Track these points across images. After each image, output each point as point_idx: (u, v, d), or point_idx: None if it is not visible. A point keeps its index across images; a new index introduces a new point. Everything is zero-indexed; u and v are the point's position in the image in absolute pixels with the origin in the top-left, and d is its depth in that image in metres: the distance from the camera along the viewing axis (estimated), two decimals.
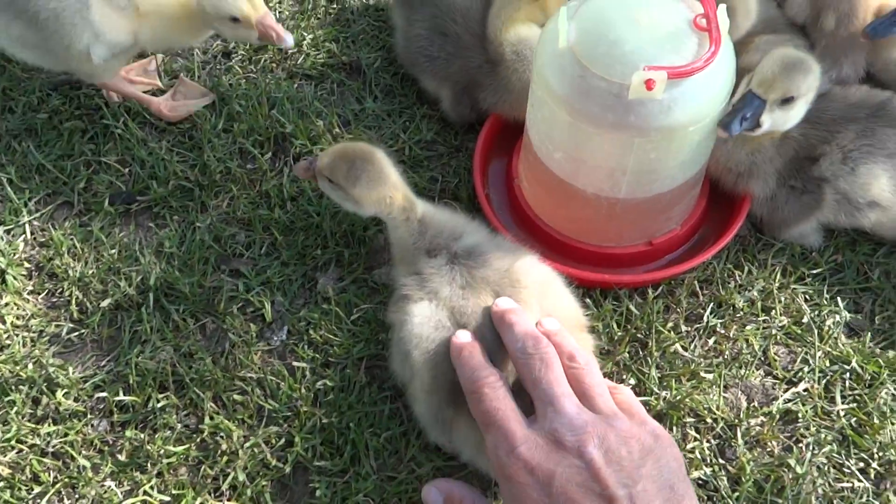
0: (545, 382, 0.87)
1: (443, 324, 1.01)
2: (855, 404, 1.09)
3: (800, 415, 1.09)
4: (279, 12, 1.53)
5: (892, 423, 1.07)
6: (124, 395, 1.12)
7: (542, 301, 1.02)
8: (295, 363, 1.16)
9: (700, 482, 1.05)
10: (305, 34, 1.49)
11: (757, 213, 1.22)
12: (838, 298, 1.18)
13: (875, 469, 1.05)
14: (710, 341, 1.15)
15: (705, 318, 1.17)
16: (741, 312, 1.17)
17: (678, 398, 1.09)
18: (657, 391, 1.10)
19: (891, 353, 1.12)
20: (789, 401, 1.10)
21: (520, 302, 1.00)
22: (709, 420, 1.09)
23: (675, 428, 1.09)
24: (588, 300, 1.17)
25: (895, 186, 1.16)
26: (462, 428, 1.00)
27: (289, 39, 1.21)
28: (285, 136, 1.37)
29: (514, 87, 1.25)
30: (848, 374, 1.11)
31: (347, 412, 1.10)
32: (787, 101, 1.08)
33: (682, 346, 1.14)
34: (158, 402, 1.11)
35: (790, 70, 1.07)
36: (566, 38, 1.01)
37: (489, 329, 0.98)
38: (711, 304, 1.18)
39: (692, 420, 1.09)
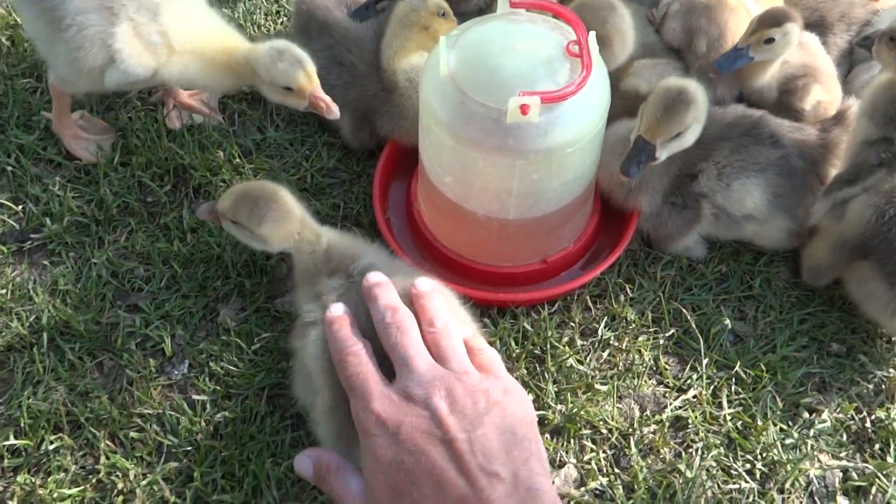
0: (401, 346, 0.92)
1: None
2: (740, 408, 1.14)
3: (689, 421, 1.13)
4: None
5: (774, 424, 1.12)
6: (15, 438, 1.09)
7: None
8: (195, 396, 1.14)
9: (597, 492, 1.08)
10: None
11: (644, 229, 1.28)
12: (723, 307, 1.23)
13: (760, 469, 1.09)
14: (605, 354, 1.19)
15: (599, 332, 1.21)
16: (633, 325, 1.21)
17: (574, 411, 1.12)
18: (554, 405, 1.13)
19: (771, 357, 1.18)
20: (679, 408, 1.14)
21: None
22: (604, 431, 1.12)
23: (572, 440, 1.12)
24: (486, 319, 1.20)
25: (768, 200, 1.22)
26: None
27: (336, 111, 1.21)
28: (185, 168, 1.37)
29: (409, 113, 1.28)
30: (733, 380, 1.17)
31: (249, 443, 1.10)
32: (676, 136, 1.14)
33: (578, 360, 1.18)
34: (52, 443, 1.09)
35: (672, 112, 1.12)
36: (446, 67, 1.04)
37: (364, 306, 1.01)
38: (605, 318, 1.22)
39: (588, 432, 1.12)
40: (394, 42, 1.29)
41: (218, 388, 1.15)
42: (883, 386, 1.16)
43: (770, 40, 1.22)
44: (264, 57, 1.19)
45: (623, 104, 1.23)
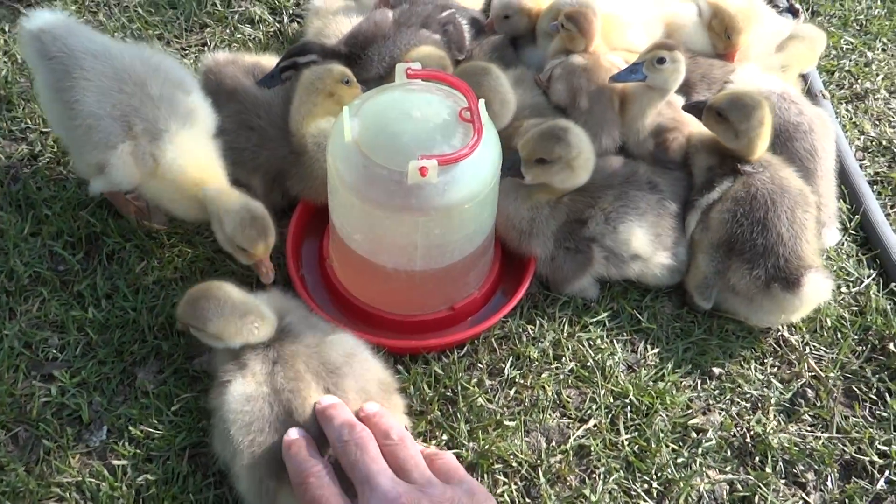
0: (361, 463, 0.96)
1: (258, 398, 1.08)
2: (636, 433, 1.24)
3: (591, 448, 1.22)
4: None
5: (667, 446, 1.23)
6: None
7: (350, 370, 1.12)
8: (115, 462, 1.16)
9: None
10: None
11: (542, 273, 1.38)
12: (615, 341, 1.34)
13: (656, 488, 1.19)
14: (512, 391, 1.28)
15: (506, 371, 1.29)
16: (536, 362, 1.31)
17: (486, 447, 1.20)
18: (467, 443, 1.20)
19: (660, 385, 1.29)
20: (581, 437, 1.23)
21: (331, 373, 1.10)
22: (514, 464, 1.20)
23: (485, 475, 1.19)
24: (399, 366, 1.27)
25: (651, 240, 1.35)
26: (286, 498, 1.05)
27: (272, 278, 1.27)
28: (97, 236, 1.39)
29: (318, 175, 1.35)
30: (628, 407, 1.27)
31: None
32: (540, 161, 1.27)
33: (487, 399, 1.26)
34: None
35: (542, 137, 1.28)
36: (350, 133, 1.12)
37: (315, 423, 1.06)
38: (510, 358, 1.31)
39: (500, 466, 1.20)
40: (301, 108, 1.36)
41: (138, 451, 1.17)
42: (759, 404, 1.29)
43: (662, 59, 1.37)
44: (235, 216, 1.23)
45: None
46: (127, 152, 1.24)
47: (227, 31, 1.78)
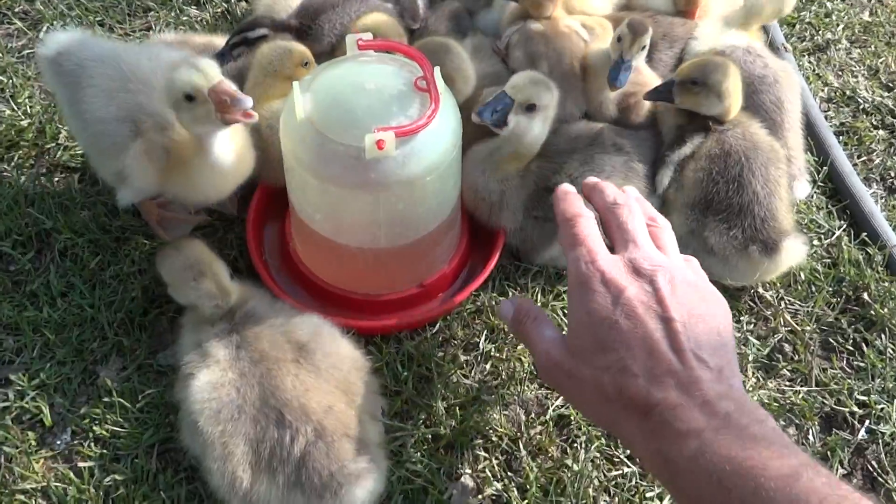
0: (629, 224, 0.97)
1: (224, 384, 1.05)
2: None
3: (571, 418, 1.20)
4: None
5: None
6: None
7: (319, 347, 1.10)
8: (81, 464, 1.12)
9: (493, 498, 1.13)
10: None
11: (512, 244, 1.35)
12: None
13: None
14: (488, 366, 1.25)
15: (480, 346, 1.27)
16: (510, 335, 1.28)
17: (465, 424, 1.17)
18: (445, 421, 1.17)
19: None
20: (561, 406, 1.21)
21: (299, 350, 1.09)
22: (494, 438, 1.18)
23: (465, 452, 1.16)
24: (371, 347, 1.24)
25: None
26: (262, 488, 1.02)
27: (246, 101, 1.08)
28: (48, 233, 1.34)
29: (274, 157, 1.30)
30: None
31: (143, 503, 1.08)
32: (530, 108, 1.23)
33: (463, 375, 1.23)
34: None
35: (536, 83, 1.25)
36: (302, 110, 1.08)
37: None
38: (485, 332, 1.28)
39: (480, 441, 1.18)
40: (255, 89, 1.31)
41: (105, 451, 1.13)
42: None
43: (644, 46, 1.34)
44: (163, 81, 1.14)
45: (476, 130, 1.30)
46: (139, 152, 1.18)
47: (173, 13, 1.71)
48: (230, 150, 1.19)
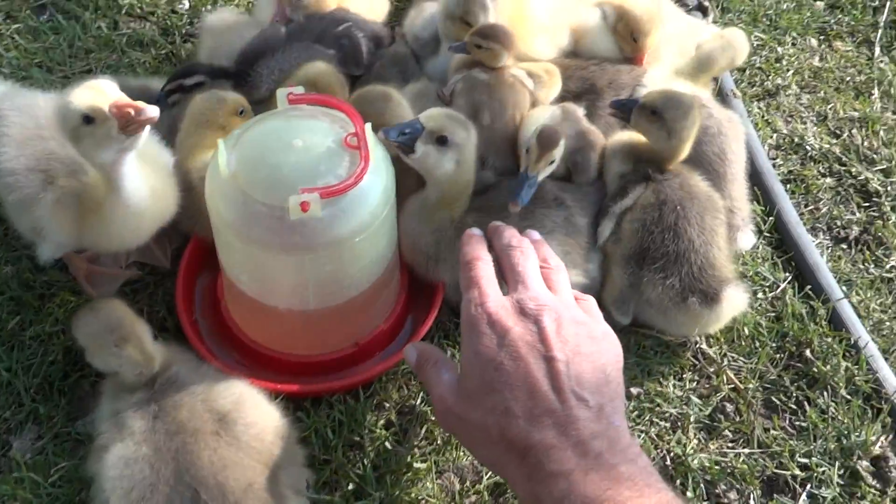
0: (520, 267, 1.00)
1: (137, 460, 0.99)
2: None
3: (506, 486, 1.16)
4: None
5: None
6: None
7: (241, 418, 1.04)
8: None
9: None
10: None
11: (452, 299, 1.32)
12: None
13: None
14: (422, 430, 1.21)
15: (416, 408, 1.23)
16: None
17: (395, 494, 1.13)
18: (374, 492, 1.13)
19: None
20: (496, 475, 1.17)
21: (219, 421, 1.03)
22: None
23: None
24: (301, 413, 1.19)
25: (560, 259, 1.30)
26: None
27: (152, 109, 1.03)
28: None
29: (206, 211, 1.26)
30: None
31: None
32: (441, 140, 1.18)
33: (396, 441, 1.19)
34: None
35: (452, 118, 1.22)
36: (226, 167, 1.04)
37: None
38: (421, 393, 1.24)
39: None
40: (188, 140, 1.27)
41: None
42: (678, 423, 1.25)
43: (552, 161, 1.28)
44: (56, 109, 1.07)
45: (415, 182, 1.27)
46: (51, 202, 1.13)
47: (115, 55, 1.66)
48: (143, 186, 1.14)
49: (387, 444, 1.18)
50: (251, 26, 1.53)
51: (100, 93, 1.04)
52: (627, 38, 1.55)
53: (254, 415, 1.06)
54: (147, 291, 1.33)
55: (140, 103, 1.04)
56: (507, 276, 1.01)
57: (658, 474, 0.88)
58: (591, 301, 1.04)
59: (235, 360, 1.23)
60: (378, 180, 1.09)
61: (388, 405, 1.23)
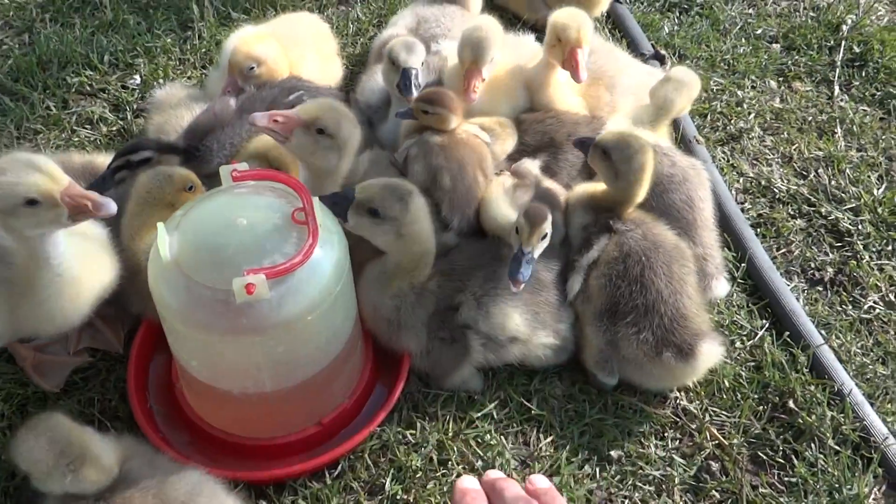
0: None
1: None
2: None
3: None
4: None
5: None
6: None
7: None
8: None
9: None
10: None
11: (420, 368, 1.26)
12: (504, 435, 1.23)
13: None
14: None
15: (387, 488, 1.16)
16: (420, 473, 1.18)
17: None
18: None
19: (556, 480, 1.18)
20: None
21: None
22: None
23: None
24: (262, 501, 1.12)
25: (528, 320, 1.26)
26: None
27: (110, 205, 0.99)
28: None
29: None
30: None
31: None
32: (372, 212, 1.15)
33: None
34: None
35: (390, 189, 1.17)
36: (167, 252, 1.00)
37: None
38: (391, 471, 1.18)
39: None
40: (134, 221, 1.23)
41: None
42: (663, 486, 1.19)
43: (545, 235, 1.25)
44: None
45: (372, 248, 1.23)
46: None
47: (64, 134, 1.63)
48: (73, 253, 1.09)
49: None
50: (201, 100, 1.51)
51: (48, 176, 1.00)
52: (557, 45, 1.48)
53: None
54: (99, 378, 1.27)
55: (96, 196, 1.01)
56: None
57: None
58: None
59: (193, 447, 1.16)
60: (329, 255, 1.05)
61: (355, 486, 1.16)
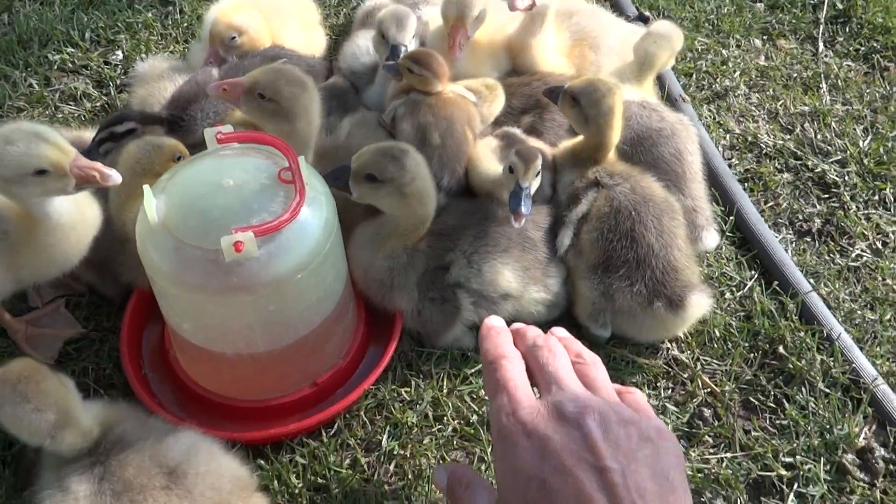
0: (551, 367, 0.86)
1: None
2: None
3: None
4: None
5: None
6: None
7: (192, 469, 0.99)
8: None
9: None
10: None
11: (412, 328, 1.27)
12: None
13: None
14: (391, 466, 1.15)
15: (383, 444, 1.17)
16: (415, 428, 1.19)
17: None
18: None
19: None
20: None
21: (169, 475, 0.98)
22: None
23: None
24: (261, 460, 1.13)
25: (519, 276, 1.27)
26: None
27: (116, 175, 1.02)
28: None
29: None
30: None
31: None
32: (370, 178, 1.15)
33: (364, 480, 1.13)
34: None
35: (378, 152, 1.17)
36: (154, 215, 1.00)
37: None
38: (387, 428, 1.19)
39: None
40: (122, 191, 1.22)
41: None
42: None
43: (538, 172, 1.26)
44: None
45: (365, 209, 1.24)
46: None
47: (48, 111, 1.62)
48: (67, 203, 1.10)
49: (354, 484, 1.12)
50: (184, 72, 1.50)
51: (57, 148, 1.01)
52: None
53: (207, 465, 1.00)
54: (93, 349, 1.27)
55: (102, 167, 1.02)
56: (537, 379, 0.88)
57: None
58: (636, 394, 0.89)
59: (188, 410, 1.17)
60: (317, 213, 1.05)
61: (352, 443, 1.17)
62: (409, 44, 1.46)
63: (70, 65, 1.72)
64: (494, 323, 0.94)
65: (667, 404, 1.23)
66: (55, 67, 1.70)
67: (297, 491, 1.11)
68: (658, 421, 0.84)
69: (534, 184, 1.25)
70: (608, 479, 0.75)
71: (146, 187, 1.01)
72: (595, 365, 0.91)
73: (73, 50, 1.74)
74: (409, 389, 1.23)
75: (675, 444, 0.82)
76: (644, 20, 1.91)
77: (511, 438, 0.80)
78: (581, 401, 0.81)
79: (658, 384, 1.27)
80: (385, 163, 1.15)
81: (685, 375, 1.28)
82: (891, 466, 1.16)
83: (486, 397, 0.86)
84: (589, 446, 0.77)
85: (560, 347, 0.91)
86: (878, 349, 1.30)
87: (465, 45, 1.42)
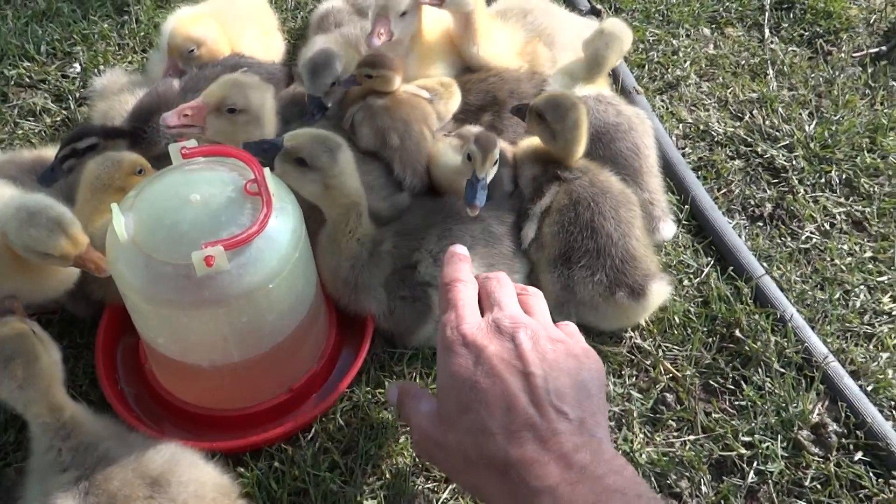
0: (497, 294, 0.98)
1: None
2: None
3: None
4: None
5: None
6: None
7: (175, 478, 1.01)
8: None
9: None
10: None
11: (385, 328, 1.30)
12: None
13: None
14: (369, 467, 1.18)
15: (360, 446, 1.20)
16: (391, 428, 1.22)
17: None
18: None
19: None
20: (449, 500, 1.16)
21: (152, 485, 1.00)
22: None
23: None
24: (241, 468, 1.15)
25: (485, 271, 1.29)
26: None
27: (108, 271, 1.08)
28: None
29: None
30: None
31: None
32: (299, 161, 1.17)
33: (343, 482, 1.16)
34: None
35: (319, 140, 1.19)
36: (124, 232, 1.01)
37: None
38: (364, 429, 1.22)
39: None
40: (85, 207, 1.23)
41: None
42: (623, 420, 1.26)
43: (495, 161, 1.30)
44: (12, 221, 1.06)
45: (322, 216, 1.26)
46: None
47: (7, 128, 1.61)
48: None
49: (332, 486, 1.15)
50: (143, 85, 1.50)
51: (73, 242, 1.07)
52: None
53: (189, 473, 1.03)
54: (67, 366, 1.26)
55: (101, 262, 1.08)
56: (484, 304, 0.99)
57: (647, 484, 0.85)
58: (571, 325, 1.00)
59: (167, 423, 1.19)
60: (285, 223, 1.07)
61: (330, 446, 1.20)
62: (322, 95, 1.43)
63: (27, 79, 1.70)
64: (458, 251, 1.06)
65: (632, 391, 1.28)
66: (12, 83, 1.69)
67: (277, 496, 1.13)
68: (586, 345, 0.96)
69: (490, 172, 1.29)
70: (532, 381, 0.87)
71: (114, 205, 1.03)
72: (536, 295, 1.03)
73: (29, 64, 1.73)
74: (382, 390, 1.26)
75: (599, 364, 0.94)
76: (596, 14, 1.96)
77: (452, 348, 0.91)
78: (517, 318, 0.93)
79: (623, 372, 1.32)
80: (320, 152, 1.17)
81: (648, 362, 1.33)
82: (843, 440, 1.22)
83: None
84: (518, 355, 0.89)
85: (508, 280, 1.03)
86: (828, 328, 1.37)
87: (383, 37, 1.42)
